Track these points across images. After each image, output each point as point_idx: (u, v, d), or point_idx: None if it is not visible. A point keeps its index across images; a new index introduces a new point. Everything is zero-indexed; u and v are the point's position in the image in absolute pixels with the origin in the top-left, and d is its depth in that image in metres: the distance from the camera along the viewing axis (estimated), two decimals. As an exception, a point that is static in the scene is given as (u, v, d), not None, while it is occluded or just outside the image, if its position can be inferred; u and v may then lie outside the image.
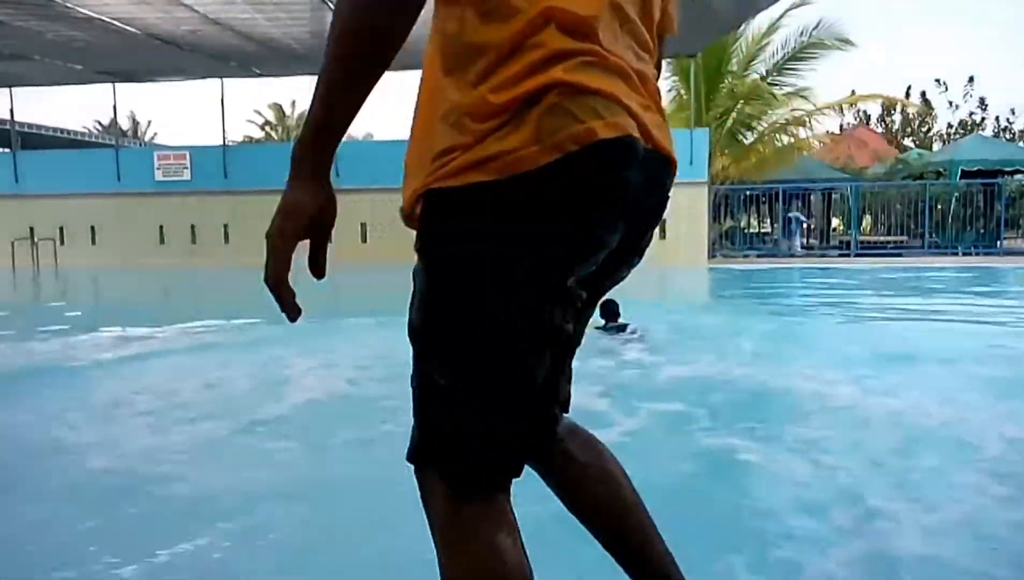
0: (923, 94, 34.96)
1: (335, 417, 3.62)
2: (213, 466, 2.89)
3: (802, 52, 17.45)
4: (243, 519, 2.31)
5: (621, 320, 5.75)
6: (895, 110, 32.70)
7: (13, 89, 17.08)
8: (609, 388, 3.96)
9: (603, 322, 5.71)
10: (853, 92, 28.23)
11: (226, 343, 6.00)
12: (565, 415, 1.28)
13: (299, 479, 2.71)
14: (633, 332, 5.67)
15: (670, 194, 1.18)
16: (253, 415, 3.58)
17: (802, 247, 18.39)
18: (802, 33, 17.22)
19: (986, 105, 34.21)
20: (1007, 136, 33.04)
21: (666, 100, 19.25)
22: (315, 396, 3.99)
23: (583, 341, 1.29)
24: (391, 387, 3.68)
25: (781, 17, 16.92)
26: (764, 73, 18.05)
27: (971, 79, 34.31)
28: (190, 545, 2.13)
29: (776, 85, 18.03)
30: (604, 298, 4.68)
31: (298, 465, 2.90)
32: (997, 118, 35.00)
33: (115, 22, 12.46)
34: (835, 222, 23.21)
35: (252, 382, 4.37)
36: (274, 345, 5.38)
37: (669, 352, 5.14)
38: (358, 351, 5.18)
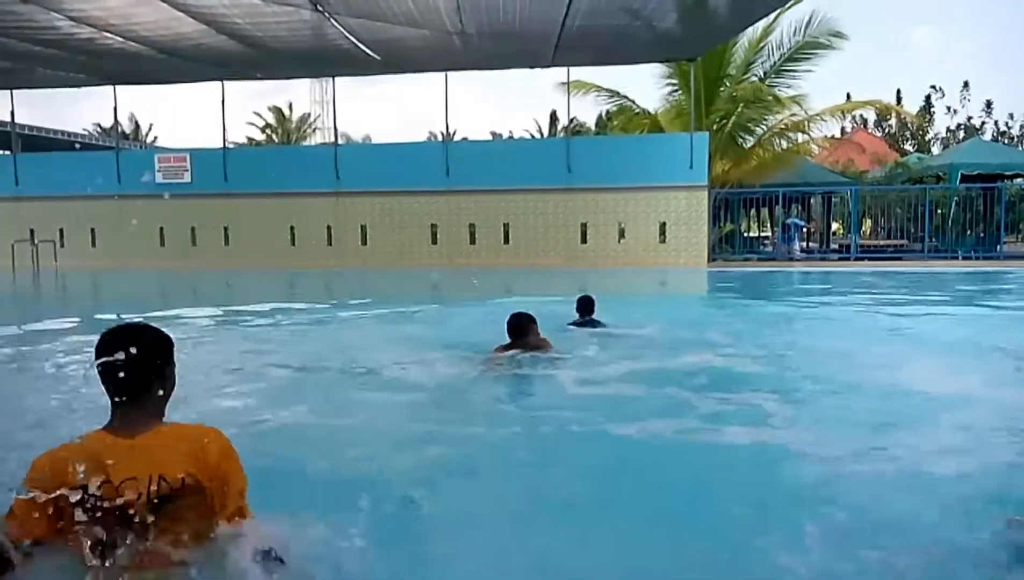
0: (927, 99, 35.03)
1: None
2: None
3: (798, 52, 17.35)
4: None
5: (596, 317, 5.92)
6: (891, 115, 32.78)
7: (13, 91, 17.06)
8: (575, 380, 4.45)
9: (577, 316, 5.87)
10: (848, 97, 28.25)
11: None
12: None
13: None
14: (604, 327, 5.85)
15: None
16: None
17: (802, 251, 18.38)
18: (796, 32, 17.13)
19: (991, 109, 34.27)
20: (1006, 140, 33.08)
21: (666, 105, 19.30)
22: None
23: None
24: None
25: (777, 17, 16.80)
26: (762, 76, 18.00)
27: (966, 84, 34.44)
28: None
29: (774, 88, 17.97)
30: (582, 294, 4.84)
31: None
32: (996, 123, 35.09)
33: (117, 38, 12.48)
34: (835, 226, 23.21)
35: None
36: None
37: (627, 347, 5.38)
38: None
